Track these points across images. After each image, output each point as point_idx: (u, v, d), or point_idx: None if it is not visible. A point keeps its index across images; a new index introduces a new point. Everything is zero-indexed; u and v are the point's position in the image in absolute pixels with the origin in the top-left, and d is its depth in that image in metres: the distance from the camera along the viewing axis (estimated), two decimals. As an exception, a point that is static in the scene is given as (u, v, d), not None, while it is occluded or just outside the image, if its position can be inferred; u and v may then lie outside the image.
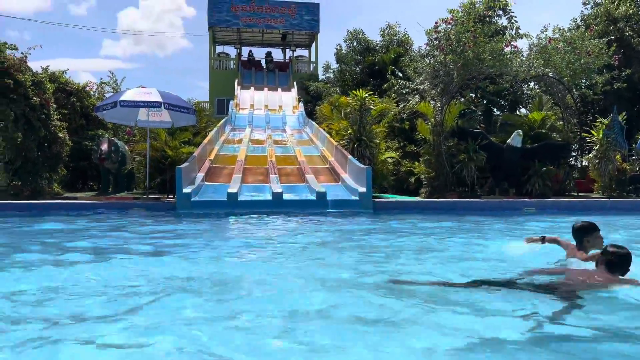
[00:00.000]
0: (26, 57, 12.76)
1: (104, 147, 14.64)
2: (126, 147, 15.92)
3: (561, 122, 15.52)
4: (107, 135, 16.53)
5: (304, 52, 38.55)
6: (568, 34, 15.05)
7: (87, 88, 18.48)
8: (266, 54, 37.12)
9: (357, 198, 11.09)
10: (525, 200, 12.28)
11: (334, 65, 31.67)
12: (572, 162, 15.82)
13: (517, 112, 18.08)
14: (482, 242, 6.71)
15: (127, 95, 12.06)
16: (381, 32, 29.75)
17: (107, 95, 20.30)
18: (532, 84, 16.32)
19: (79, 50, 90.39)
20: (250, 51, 37.22)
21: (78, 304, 3.40)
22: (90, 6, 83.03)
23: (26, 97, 12.13)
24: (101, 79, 23.92)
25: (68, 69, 17.42)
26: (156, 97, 11.90)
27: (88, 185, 18.21)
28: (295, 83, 31.15)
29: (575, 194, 15.36)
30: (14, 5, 75.49)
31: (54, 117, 12.94)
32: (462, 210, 11.14)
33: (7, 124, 12.12)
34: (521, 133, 13.77)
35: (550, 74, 14.45)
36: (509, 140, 13.85)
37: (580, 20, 19.69)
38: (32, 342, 2.61)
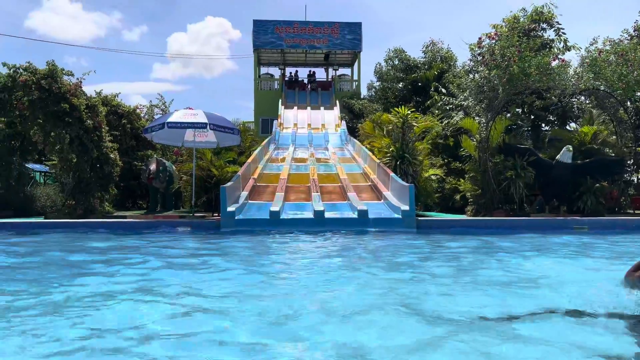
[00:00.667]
0: (81, 82, 13.41)
1: (153, 167, 15.11)
2: (174, 167, 16.40)
3: (614, 137, 14.88)
4: (155, 156, 17.08)
5: (346, 70, 38.84)
6: (620, 45, 14.46)
7: (138, 110, 19.23)
8: (309, 73, 37.63)
9: (400, 216, 10.94)
10: (577, 218, 11.78)
11: (376, 84, 31.77)
12: (627, 178, 15.09)
13: (567, 127, 17.47)
14: (539, 261, 6.44)
15: (175, 117, 12.44)
16: (424, 49, 29.66)
17: (156, 117, 21.06)
18: (581, 98, 15.77)
19: (131, 74, 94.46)
20: (296, 72, 37.82)
21: (133, 317, 3.50)
22: (142, 32, 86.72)
23: (80, 120, 12.73)
24: (150, 101, 24.85)
25: (120, 93, 18.34)
26: (202, 119, 12.22)
27: (137, 204, 18.82)
28: (337, 101, 31.35)
29: (632, 211, 14.64)
30: (72, 33, 79.81)
31: (105, 139, 13.49)
32: (510, 229, 10.78)
33: (62, 146, 12.71)
34: (571, 148, 13.29)
35: (602, 88, 13.94)
36: (558, 156, 13.39)
37: (634, 31, 18.93)
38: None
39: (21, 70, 12.68)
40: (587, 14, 72.81)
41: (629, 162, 14.60)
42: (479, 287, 4.80)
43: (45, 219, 12.22)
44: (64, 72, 13.06)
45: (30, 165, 17.95)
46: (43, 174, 21.51)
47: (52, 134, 12.91)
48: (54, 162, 15.36)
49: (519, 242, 8.83)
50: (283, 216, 11.07)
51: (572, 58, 15.95)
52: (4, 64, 12.76)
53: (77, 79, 13.37)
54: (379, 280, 5.16)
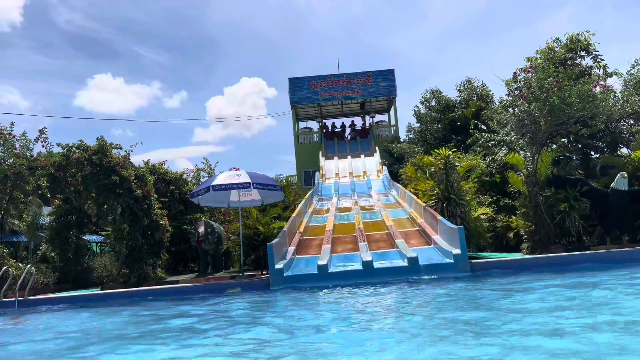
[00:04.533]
0: (129, 153, 14.03)
1: (201, 229, 15.39)
2: (222, 228, 16.64)
3: (672, 159, 14.13)
4: (203, 218, 17.42)
5: (383, 116, 39.17)
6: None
7: (185, 175, 19.84)
8: (350, 123, 38.27)
9: (452, 260, 10.61)
10: (643, 248, 11.08)
11: (415, 125, 31.80)
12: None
13: (618, 153, 16.77)
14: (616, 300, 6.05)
15: (219, 180, 12.74)
16: (459, 87, 29.67)
17: (202, 180, 21.66)
18: (630, 122, 15.17)
19: (174, 139, 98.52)
20: (333, 123, 38.47)
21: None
22: (182, 98, 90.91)
23: (130, 190, 13.22)
24: (196, 165, 25.65)
25: (166, 160, 18.94)
26: (245, 179, 12.46)
27: (188, 267, 19.08)
28: (377, 147, 31.45)
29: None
30: (116, 106, 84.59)
31: (155, 207, 13.91)
32: (571, 265, 10.25)
33: (115, 216, 13.17)
34: (626, 175, 12.68)
35: (650, 109, 13.42)
36: (612, 184, 12.80)
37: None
38: None
39: (74, 148, 13.41)
40: (624, 35, 71.36)
41: (691, 183, 13.75)
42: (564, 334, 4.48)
43: (101, 289, 12.52)
44: (113, 146, 13.72)
45: (86, 237, 18.65)
46: (99, 244, 22.28)
47: (105, 205, 13.44)
48: (108, 232, 15.93)
49: (579, 278, 8.34)
50: (331, 269, 10.93)
51: (614, 83, 15.43)
52: (59, 144, 13.55)
53: (125, 151, 14.01)
54: (440, 331, 4.93)
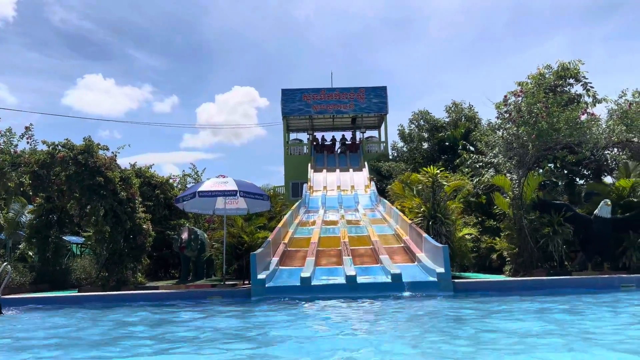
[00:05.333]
0: (116, 155, 13.87)
1: (184, 235, 15.22)
2: (205, 235, 16.48)
3: (654, 189, 14.34)
4: (187, 224, 17.25)
5: (373, 132, 39.36)
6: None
7: (171, 180, 19.65)
8: (340, 137, 38.41)
9: (435, 279, 10.60)
10: (623, 276, 11.18)
11: (400, 144, 32.13)
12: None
13: (602, 181, 16.99)
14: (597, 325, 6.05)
15: (205, 186, 12.64)
16: (446, 109, 30.10)
17: (188, 186, 21.47)
18: (615, 151, 15.39)
19: (163, 144, 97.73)
20: (323, 136, 38.59)
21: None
22: (173, 102, 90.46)
23: (115, 192, 13.05)
24: (183, 171, 25.49)
25: (153, 164, 18.75)
26: (232, 186, 12.38)
27: (169, 273, 18.83)
28: (366, 163, 31.55)
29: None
30: (106, 107, 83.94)
31: (139, 210, 13.73)
32: (552, 289, 10.30)
33: (97, 218, 12.97)
34: (609, 202, 12.83)
35: (635, 139, 13.62)
36: (596, 211, 12.95)
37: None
38: None
39: (60, 147, 13.23)
40: (612, 66, 72.83)
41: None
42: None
43: (78, 292, 12.29)
44: (99, 146, 13.55)
45: (67, 238, 18.34)
46: (79, 245, 21.92)
47: (88, 206, 13.24)
48: (89, 233, 15.68)
49: (561, 303, 8.37)
50: (314, 282, 10.86)
51: (602, 111, 15.71)
52: (44, 142, 13.36)
53: (112, 152, 13.85)
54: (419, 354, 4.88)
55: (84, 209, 13.46)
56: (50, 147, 13.25)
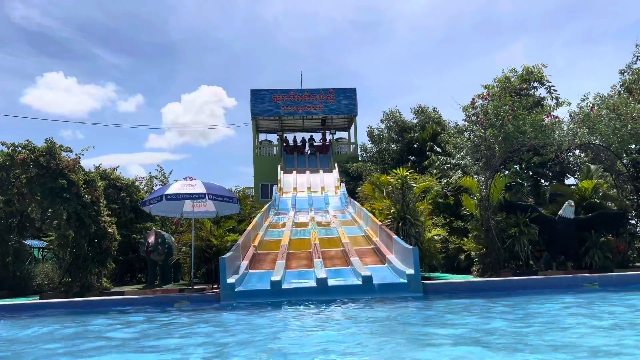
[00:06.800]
0: (79, 157, 13.44)
1: (151, 239, 14.90)
2: (173, 239, 16.17)
3: (614, 190, 14.82)
4: (154, 228, 16.90)
5: (343, 134, 39.50)
6: (611, 100, 14.71)
7: (137, 183, 19.23)
8: (309, 138, 38.37)
9: (405, 281, 10.65)
10: (586, 275, 11.48)
11: (369, 145, 32.36)
12: (633, 230, 14.86)
13: (565, 182, 17.46)
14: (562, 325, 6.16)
15: (173, 189, 12.38)
16: (413, 111, 30.56)
17: (155, 188, 21.05)
18: (577, 152, 15.83)
19: (127, 145, 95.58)
20: (295, 137, 38.52)
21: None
22: (138, 102, 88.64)
23: (78, 195, 12.64)
24: (150, 172, 24.98)
25: (119, 166, 18.31)
26: (200, 189, 12.17)
27: (136, 278, 18.42)
28: (336, 164, 31.61)
29: (641, 264, 14.30)
30: (68, 107, 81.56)
31: (103, 213, 13.35)
32: (520, 289, 10.49)
33: (60, 222, 12.56)
34: (572, 203, 13.17)
35: (596, 142, 14.03)
36: (560, 212, 13.27)
37: (620, 87, 19.34)
38: None
39: (20, 148, 12.75)
40: (572, 71, 75.12)
41: (631, 214, 14.44)
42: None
43: (40, 299, 11.87)
44: (62, 148, 13.11)
45: (28, 242, 17.73)
46: (41, 250, 21.24)
47: (50, 210, 12.80)
48: (51, 238, 15.17)
49: (528, 303, 8.52)
50: (285, 286, 10.76)
51: (564, 114, 16.17)
52: (3, 143, 12.85)
53: (76, 154, 13.42)
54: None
55: (46, 212, 13.00)
56: (10, 149, 12.76)
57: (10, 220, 14.75)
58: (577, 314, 7.48)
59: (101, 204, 13.37)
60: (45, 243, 19.50)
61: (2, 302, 11.01)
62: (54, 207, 12.59)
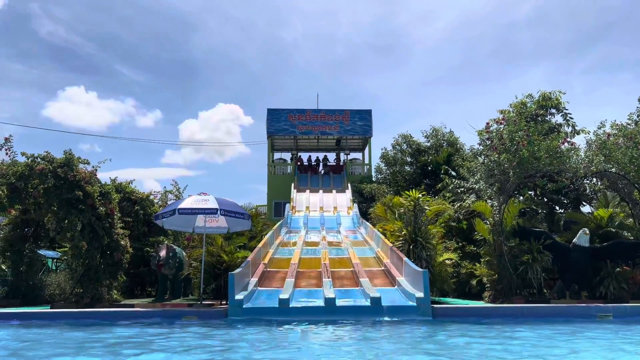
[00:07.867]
0: (96, 169, 13.66)
1: (163, 253, 14.98)
2: (184, 253, 16.24)
3: (631, 220, 14.58)
4: (166, 242, 16.99)
5: (357, 155, 39.58)
6: (627, 129, 14.58)
7: (151, 196, 19.40)
8: (322, 158, 38.58)
9: (415, 304, 10.54)
10: (600, 305, 11.25)
11: (384, 167, 32.38)
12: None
13: (580, 210, 17.23)
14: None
15: (186, 203, 12.49)
16: (425, 135, 30.59)
17: (169, 203, 21.21)
18: (593, 180, 15.64)
19: (144, 159, 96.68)
20: (309, 157, 38.75)
21: None
22: (156, 117, 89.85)
23: (93, 207, 12.82)
24: (165, 187, 25.23)
25: (134, 179, 18.53)
26: (213, 204, 12.25)
27: (146, 291, 18.47)
28: (349, 185, 31.62)
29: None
30: (87, 120, 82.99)
31: (117, 226, 13.50)
32: (530, 317, 10.32)
33: (74, 232, 12.71)
34: (587, 232, 12.98)
35: (613, 170, 13.87)
36: (574, 240, 13.07)
37: (638, 116, 19.16)
38: None
39: (39, 159, 13.00)
40: (591, 98, 74.63)
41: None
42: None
43: (51, 308, 11.97)
44: (80, 160, 13.35)
45: (42, 252, 17.92)
46: (55, 260, 21.44)
47: (65, 220, 12.97)
48: (65, 248, 15.33)
49: (539, 332, 8.37)
50: (293, 304, 10.72)
51: (581, 142, 16.05)
52: (23, 154, 13.12)
53: (93, 167, 13.65)
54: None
55: (61, 223, 13.17)
56: (29, 159, 13.02)
57: (26, 229, 14.97)
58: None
59: (115, 217, 13.52)
60: (60, 254, 19.71)
61: (13, 310, 11.14)
62: (69, 218, 12.76)
